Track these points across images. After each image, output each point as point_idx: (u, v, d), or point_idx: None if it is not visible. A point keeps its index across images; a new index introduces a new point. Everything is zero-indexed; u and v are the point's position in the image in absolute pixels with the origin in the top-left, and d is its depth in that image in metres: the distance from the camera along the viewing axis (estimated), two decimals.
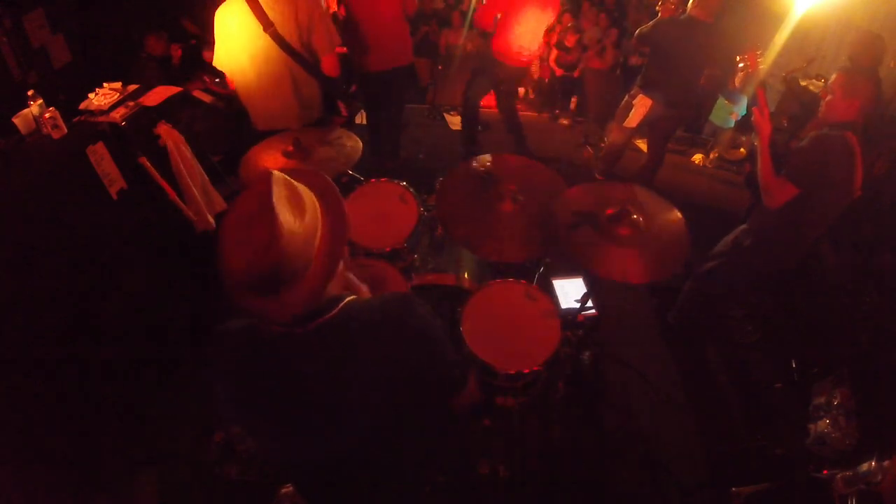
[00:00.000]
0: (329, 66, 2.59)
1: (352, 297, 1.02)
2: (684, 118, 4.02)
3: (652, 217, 1.83)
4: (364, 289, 1.17)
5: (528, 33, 3.73)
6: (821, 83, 3.80)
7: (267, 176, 0.87)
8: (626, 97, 3.75)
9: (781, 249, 2.43)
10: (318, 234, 0.91)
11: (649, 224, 1.80)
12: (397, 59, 3.55)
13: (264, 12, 2.38)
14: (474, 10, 5.49)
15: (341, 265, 0.96)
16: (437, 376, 1.10)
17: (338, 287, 1.01)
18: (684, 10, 3.38)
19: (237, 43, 2.48)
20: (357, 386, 0.99)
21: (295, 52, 2.49)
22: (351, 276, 1.12)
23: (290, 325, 0.93)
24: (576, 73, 5.81)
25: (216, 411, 1.08)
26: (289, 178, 0.92)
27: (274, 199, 0.84)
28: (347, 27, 3.36)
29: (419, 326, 1.03)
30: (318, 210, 0.94)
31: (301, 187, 0.93)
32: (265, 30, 2.40)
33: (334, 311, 0.97)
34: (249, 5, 2.37)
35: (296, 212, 0.87)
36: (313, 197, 0.95)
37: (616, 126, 3.90)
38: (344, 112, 2.94)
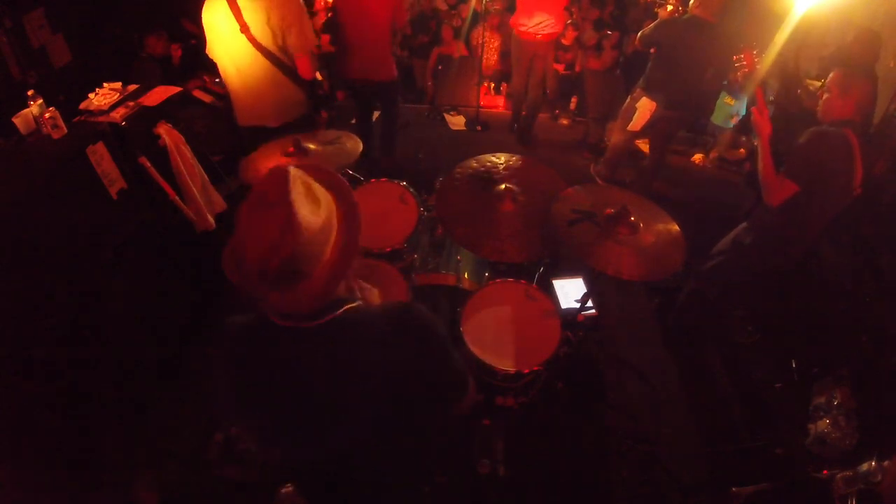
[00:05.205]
0: (302, 67, 2.62)
1: (356, 303, 1.00)
2: (686, 119, 4.01)
3: (650, 222, 1.83)
4: (375, 293, 1.16)
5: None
6: (819, 83, 3.79)
7: (284, 171, 0.86)
8: (629, 99, 3.73)
9: (781, 247, 2.43)
10: (334, 232, 0.91)
11: (647, 228, 1.80)
12: (375, 73, 3.50)
13: (241, 14, 2.46)
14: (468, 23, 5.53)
15: (352, 266, 0.95)
16: (439, 384, 1.09)
17: (345, 290, 1.00)
18: (685, 11, 3.37)
19: (220, 40, 2.57)
20: (357, 390, 0.99)
21: (270, 53, 2.55)
22: (361, 282, 1.11)
23: (296, 320, 0.93)
24: (577, 69, 5.79)
25: (216, 410, 1.08)
26: (305, 174, 0.91)
27: (292, 195, 0.83)
28: (334, 29, 3.37)
29: (422, 335, 1.02)
30: (334, 207, 0.93)
31: (315, 185, 0.92)
32: (241, 31, 2.48)
33: (338, 313, 0.96)
34: (230, 6, 2.45)
35: (312, 207, 0.87)
36: (328, 195, 0.94)
37: (618, 128, 3.89)
38: (324, 114, 2.95)
